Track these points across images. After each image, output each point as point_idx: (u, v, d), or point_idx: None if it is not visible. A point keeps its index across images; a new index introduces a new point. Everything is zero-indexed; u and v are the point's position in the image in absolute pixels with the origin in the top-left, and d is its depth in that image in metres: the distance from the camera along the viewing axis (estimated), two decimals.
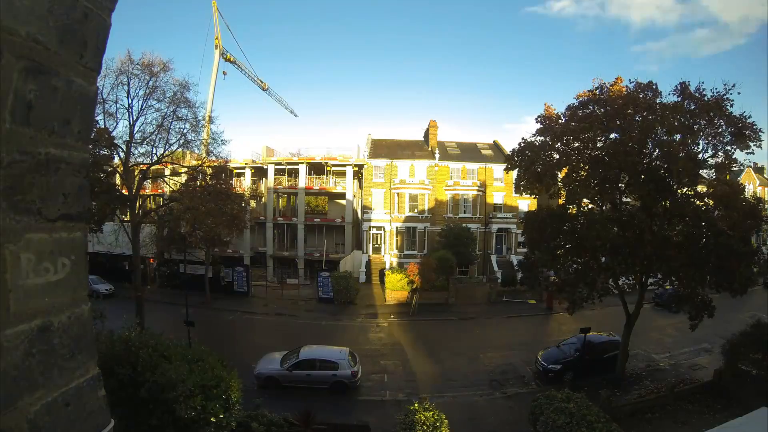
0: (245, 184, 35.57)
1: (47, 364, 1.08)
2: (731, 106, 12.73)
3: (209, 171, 20.98)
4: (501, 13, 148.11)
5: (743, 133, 12.65)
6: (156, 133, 17.87)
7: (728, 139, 13.07)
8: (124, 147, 17.65)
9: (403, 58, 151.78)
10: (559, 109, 15.55)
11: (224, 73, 46.21)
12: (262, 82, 49.51)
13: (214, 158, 20.31)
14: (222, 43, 45.16)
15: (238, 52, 52.47)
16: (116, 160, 18.72)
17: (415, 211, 33.30)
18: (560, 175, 15.07)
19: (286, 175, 37.45)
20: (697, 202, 13.68)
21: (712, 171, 14.07)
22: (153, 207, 25.52)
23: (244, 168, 37.56)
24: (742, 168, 15.32)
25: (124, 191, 18.36)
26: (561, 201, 15.31)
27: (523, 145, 15.31)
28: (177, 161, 20.20)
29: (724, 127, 13.05)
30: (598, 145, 14.43)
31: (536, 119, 15.48)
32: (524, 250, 28.36)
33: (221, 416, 7.38)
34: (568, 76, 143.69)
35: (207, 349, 8.64)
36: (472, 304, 26.12)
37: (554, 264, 15.48)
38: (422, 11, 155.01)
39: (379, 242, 33.71)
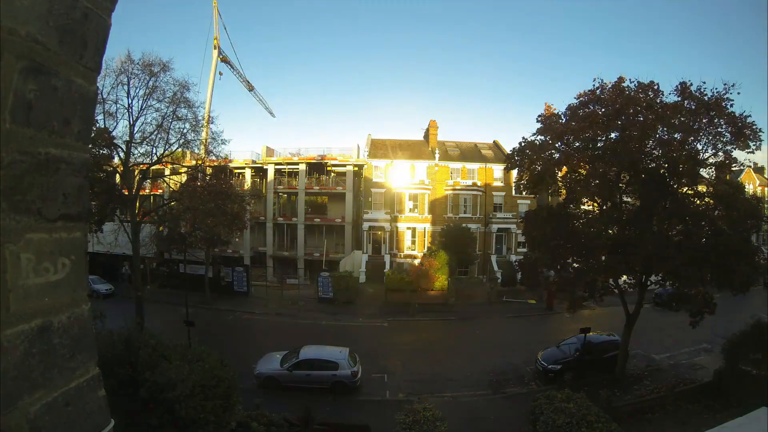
0: (245, 184, 35.60)
1: (47, 364, 1.08)
2: (731, 106, 12.74)
3: (209, 171, 21.01)
4: (502, 12, 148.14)
5: (743, 132, 12.66)
6: (156, 133, 17.91)
7: (728, 139, 13.08)
8: (124, 147, 17.69)
9: (402, 59, 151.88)
10: (560, 109, 15.59)
11: (220, 73, 46.21)
12: (249, 83, 49.54)
13: (213, 158, 20.33)
14: (220, 43, 45.15)
15: (231, 53, 52.18)
16: (116, 160, 18.73)
17: (415, 211, 33.29)
18: (560, 175, 15.08)
19: (286, 175, 37.45)
20: (698, 202, 13.69)
21: (713, 170, 14.08)
22: (153, 207, 25.50)
23: (244, 168, 37.58)
24: (742, 168, 15.32)
25: (124, 191, 18.37)
26: (561, 200, 15.32)
27: (523, 144, 15.32)
28: (177, 161, 20.21)
29: (724, 126, 13.06)
30: (598, 144, 14.44)
31: (537, 119, 15.51)
32: (524, 250, 28.38)
33: (221, 416, 7.38)
34: (569, 76, 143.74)
35: (207, 349, 8.63)
36: (472, 304, 26.13)
37: (554, 264, 15.49)
38: (422, 11, 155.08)
39: (379, 242, 33.71)
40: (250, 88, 49.49)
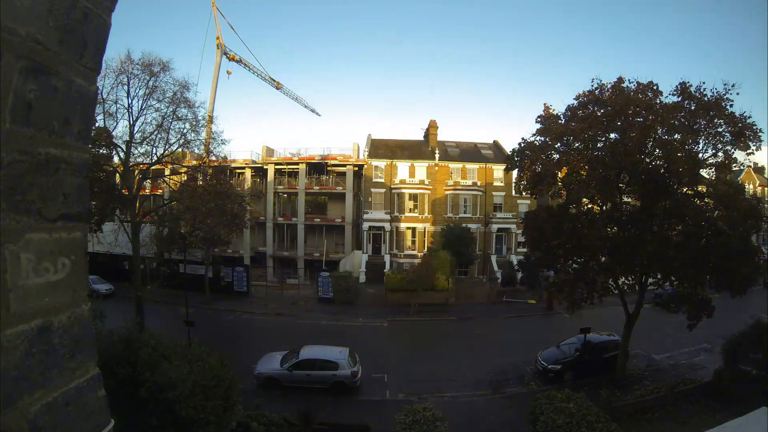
0: (245, 184, 35.61)
1: (47, 364, 1.08)
2: (731, 106, 12.75)
3: (209, 171, 21.00)
4: (502, 11, 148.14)
5: (743, 133, 12.66)
6: (156, 133, 17.90)
7: (728, 139, 13.09)
8: (124, 147, 17.67)
9: (402, 58, 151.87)
10: (560, 109, 15.59)
11: (228, 72, 46.07)
12: (274, 80, 48.63)
13: (214, 158, 20.33)
14: (225, 42, 45.07)
15: (245, 52, 51.48)
16: (116, 160, 18.73)
17: (415, 211, 33.30)
18: (560, 175, 15.08)
19: (286, 175, 37.46)
20: (697, 202, 13.69)
21: (712, 171, 14.08)
22: (153, 207, 25.50)
23: (244, 168, 37.60)
24: (742, 168, 15.33)
25: (124, 191, 18.37)
26: (561, 201, 15.32)
27: (523, 145, 15.33)
28: (177, 161, 20.21)
29: (724, 127, 13.07)
30: (598, 145, 14.44)
31: (536, 119, 15.51)
32: (524, 250, 28.41)
33: (221, 416, 7.38)
34: (570, 76, 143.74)
35: (207, 349, 8.64)
36: (472, 304, 26.13)
37: (554, 264, 15.48)
38: (423, 10, 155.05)
39: (379, 242, 33.70)
40: (278, 87, 48.92)
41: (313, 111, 55.23)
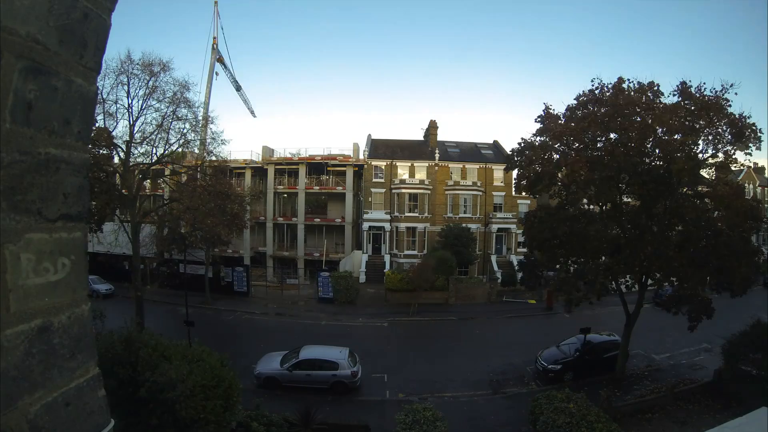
0: (245, 184, 35.61)
1: (47, 364, 1.08)
2: (729, 106, 12.76)
3: (209, 171, 20.99)
4: (502, 11, 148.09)
5: (743, 133, 12.67)
6: (156, 133, 17.90)
7: (728, 139, 13.09)
8: (124, 147, 17.67)
9: (403, 58, 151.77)
10: (559, 109, 15.59)
11: (216, 74, 46.13)
12: (237, 82, 49.02)
13: (213, 158, 20.33)
14: (218, 44, 45.09)
15: (225, 53, 51.70)
16: (116, 160, 18.73)
17: (415, 211, 33.30)
18: (560, 176, 15.08)
19: (286, 175, 37.46)
20: (697, 202, 13.69)
21: (712, 171, 14.08)
22: (153, 207, 25.48)
23: (244, 168, 37.58)
24: (742, 168, 15.35)
25: (124, 191, 18.37)
26: (561, 201, 15.32)
27: (522, 145, 15.33)
28: (177, 161, 20.21)
29: (724, 127, 13.07)
30: (598, 145, 14.44)
31: (536, 119, 15.51)
32: (524, 250, 28.38)
33: (221, 416, 7.39)
34: (570, 76, 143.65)
35: (207, 349, 8.64)
36: (472, 304, 26.14)
37: (554, 264, 15.48)
38: (423, 11, 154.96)
39: (378, 242, 33.71)
40: (238, 88, 49.19)
41: (251, 112, 54.64)
